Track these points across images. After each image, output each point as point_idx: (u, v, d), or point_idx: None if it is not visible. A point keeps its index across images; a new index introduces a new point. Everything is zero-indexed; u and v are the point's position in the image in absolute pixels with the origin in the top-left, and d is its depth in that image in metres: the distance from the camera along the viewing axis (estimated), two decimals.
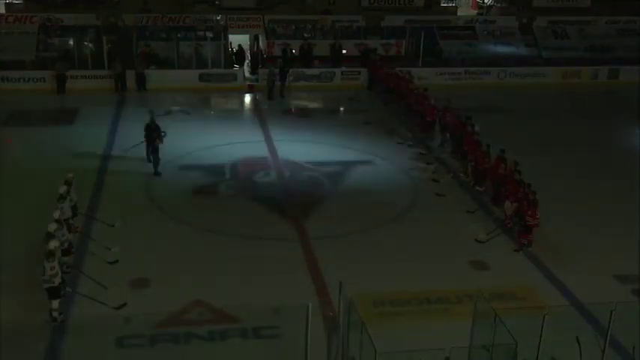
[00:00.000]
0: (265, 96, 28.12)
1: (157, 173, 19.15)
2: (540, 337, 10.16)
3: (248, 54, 32.38)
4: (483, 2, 37.77)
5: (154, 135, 19.22)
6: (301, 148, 22.19)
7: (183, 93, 28.17)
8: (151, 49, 29.18)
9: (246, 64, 31.80)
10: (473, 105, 25.89)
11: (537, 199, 15.24)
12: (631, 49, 33.57)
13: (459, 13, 35.81)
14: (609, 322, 10.30)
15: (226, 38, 30.35)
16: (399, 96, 26.02)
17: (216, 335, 12.06)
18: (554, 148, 22.92)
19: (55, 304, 12.03)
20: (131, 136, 19.58)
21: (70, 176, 15.15)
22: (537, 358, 10.19)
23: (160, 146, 19.35)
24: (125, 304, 12.66)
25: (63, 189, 14.53)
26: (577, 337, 10.79)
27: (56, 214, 13.32)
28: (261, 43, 31.78)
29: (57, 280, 12.00)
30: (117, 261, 14.25)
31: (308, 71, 30.10)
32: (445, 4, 36.44)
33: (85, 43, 29.14)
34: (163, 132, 19.72)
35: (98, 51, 28.75)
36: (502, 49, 32.86)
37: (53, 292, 12.00)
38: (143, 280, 13.71)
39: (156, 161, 19.23)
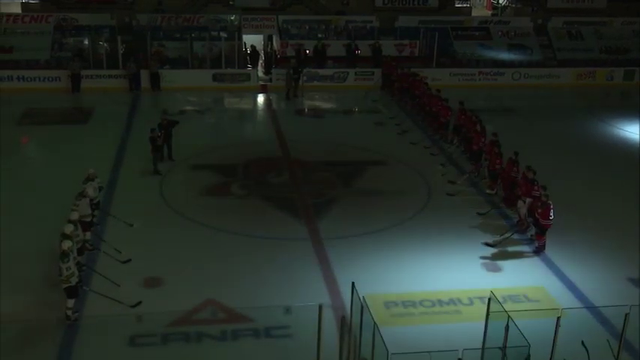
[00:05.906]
0: (284, 96, 28.14)
1: (156, 171, 19.25)
2: (554, 339, 10.11)
3: (262, 54, 32.48)
4: (498, 3, 37.64)
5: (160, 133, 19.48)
6: (314, 149, 22.21)
7: (196, 93, 28.33)
8: (161, 49, 29.33)
9: (259, 64, 31.93)
10: (487, 106, 25.83)
11: (549, 202, 15.12)
12: None
13: (473, 14, 35.73)
14: (624, 325, 10.22)
15: (240, 38, 30.45)
16: (413, 96, 25.97)
17: (228, 335, 12.07)
18: (568, 148, 22.81)
19: (71, 302, 12.10)
20: (145, 136, 19.66)
21: (91, 171, 15.20)
22: None
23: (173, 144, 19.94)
24: (140, 302, 12.72)
25: (83, 186, 14.60)
26: (582, 342, 10.73)
27: (74, 215, 13.22)
28: (275, 44, 31.85)
29: (74, 280, 12.06)
30: (129, 260, 14.29)
31: (321, 71, 30.11)
32: (459, 5, 36.34)
33: (100, 42, 29.37)
34: (176, 121, 20.41)
35: (113, 51, 28.96)
36: (516, 50, 32.73)
37: (71, 292, 12.08)
38: (156, 279, 13.73)
39: (155, 158, 19.38)
